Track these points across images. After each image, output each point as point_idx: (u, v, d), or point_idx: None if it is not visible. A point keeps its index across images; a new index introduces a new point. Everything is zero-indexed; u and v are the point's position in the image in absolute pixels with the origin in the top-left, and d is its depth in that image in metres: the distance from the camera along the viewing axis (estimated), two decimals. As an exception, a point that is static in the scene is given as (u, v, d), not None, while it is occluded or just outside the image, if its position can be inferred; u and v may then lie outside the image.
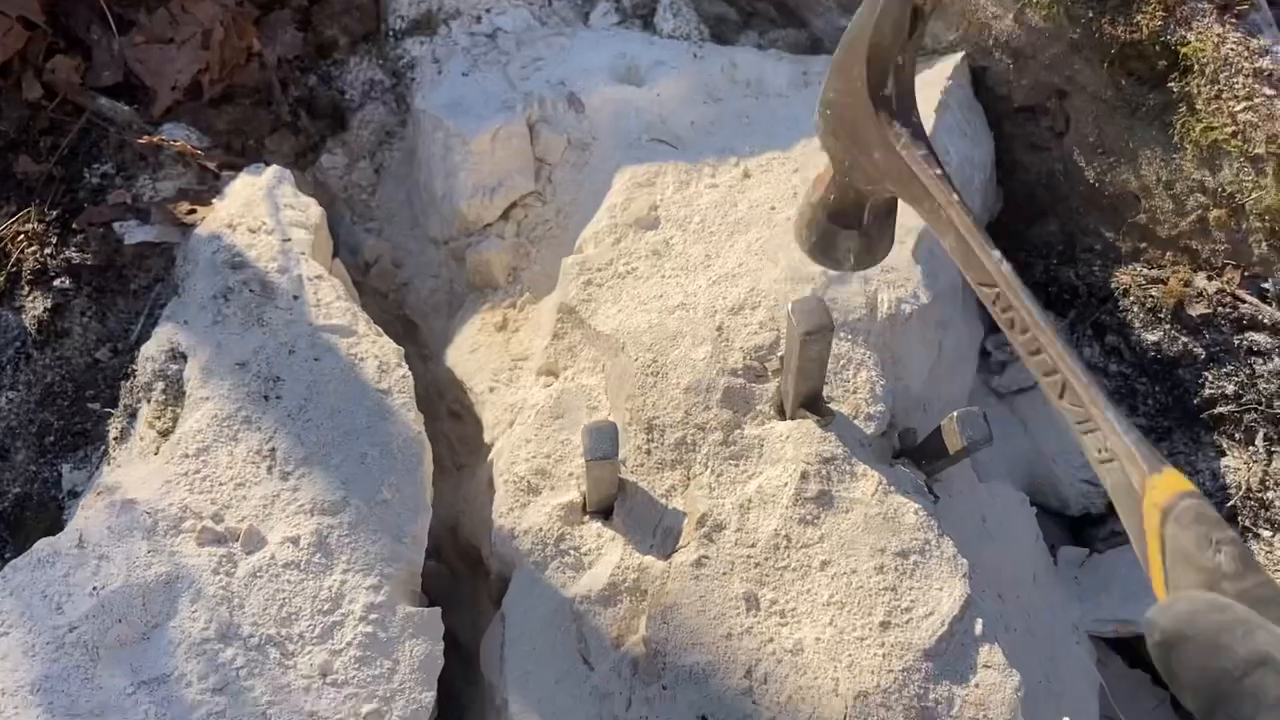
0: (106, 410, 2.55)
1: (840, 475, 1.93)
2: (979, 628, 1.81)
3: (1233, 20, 2.32)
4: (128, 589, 2.09)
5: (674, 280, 2.28)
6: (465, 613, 2.55)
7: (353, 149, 2.94)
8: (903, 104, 1.30)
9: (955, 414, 1.97)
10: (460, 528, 2.61)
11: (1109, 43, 2.40)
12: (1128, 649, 2.75)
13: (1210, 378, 2.41)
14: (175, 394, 2.41)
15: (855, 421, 2.03)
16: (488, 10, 3.09)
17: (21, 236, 2.61)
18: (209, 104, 2.90)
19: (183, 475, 2.24)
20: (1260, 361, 2.34)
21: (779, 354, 2.11)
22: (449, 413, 2.72)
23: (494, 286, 2.66)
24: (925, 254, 2.27)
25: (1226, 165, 2.28)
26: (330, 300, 2.42)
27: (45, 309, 2.59)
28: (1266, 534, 2.34)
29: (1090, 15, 2.41)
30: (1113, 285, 2.55)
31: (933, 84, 2.62)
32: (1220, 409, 2.39)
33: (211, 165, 2.70)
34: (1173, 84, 2.35)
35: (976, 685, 1.77)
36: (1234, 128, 2.23)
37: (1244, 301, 2.36)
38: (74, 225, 2.66)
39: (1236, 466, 2.39)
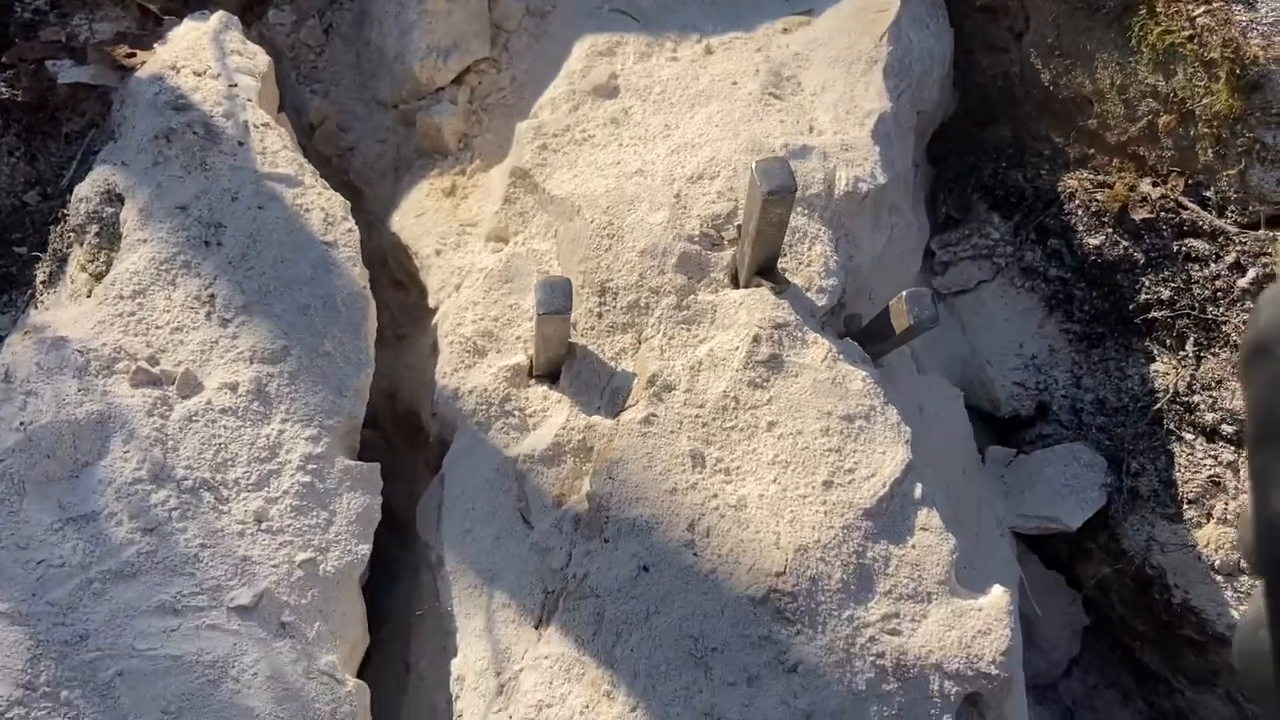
0: (34, 255, 2.46)
1: (792, 341, 1.95)
2: (918, 492, 1.85)
3: (1196, -71, 2.34)
4: (56, 426, 2.03)
5: (632, 148, 2.26)
6: (401, 484, 2.53)
7: (301, 6, 2.84)
8: None
9: (904, 293, 1.98)
10: (400, 395, 2.58)
11: (1074, -55, 2.41)
12: (1046, 550, 2.83)
13: (1147, 283, 2.46)
14: (110, 237, 2.33)
15: (808, 293, 2.04)
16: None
17: (-54, 67, 2.49)
18: (152, -52, 2.78)
19: (117, 316, 2.18)
20: (1197, 268, 2.40)
21: (736, 223, 2.10)
22: (392, 281, 2.68)
23: (444, 152, 2.61)
24: (883, 136, 2.27)
25: (1180, 70, 2.32)
26: (277, 149, 2.35)
27: (-30, 145, 2.48)
28: (1189, 437, 2.42)
29: (1058, -84, 2.42)
30: (1059, 189, 2.59)
31: (897, -22, 2.61)
32: (1155, 314, 2.45)
33: (153, 7, 2.59)
34: (1133, -12, 2.38)
35: (913, 546, 1.81)
36: (1191, 31, 2.26)
37: (1186, 208, 2.41)
38: (2, 59, 2.54)
39: (1165, 371, 2.46)
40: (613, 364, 2.07)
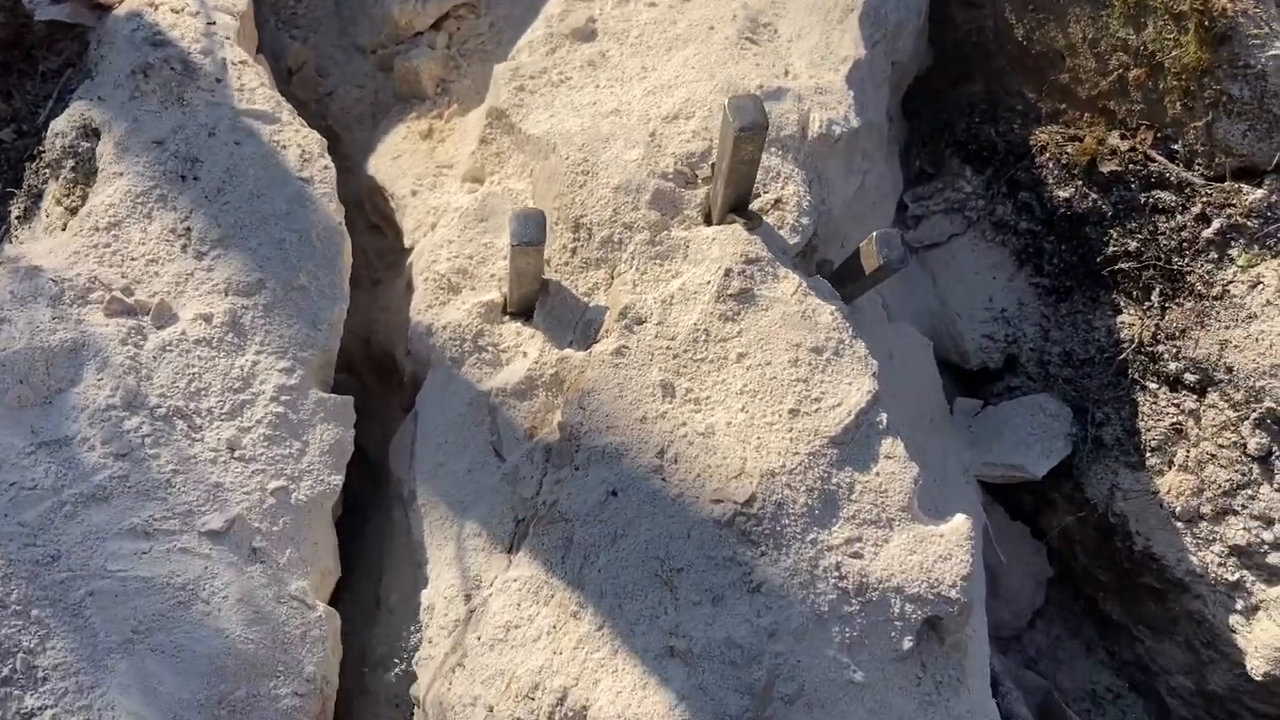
0: (9, 190, 2.45)
1: (763, 275, 1.97)
2: (884, 421, 1.88)
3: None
4: (30, 352, 2.04)
5: (609, 90, 2.27)
6: (376, 427, 2.55)
7: (282, -50, 2.84)
8: None
9: (874, 234, 2.01)
10: (375, 339, 2.59)
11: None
12: (1011, 502, 2.87)
13: (1115, 235, 2.50)
14: (86, 172, 2.33)
15: (781, 231, 2.06)
16: None
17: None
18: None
19: (92, 247, 2.18)
20: (1163, 219, 2.44)
21: (710, 162, 2.12)
22: (368, 225, 2.69)
23: (421, 97, 2.62)
24: (858, 82, 2.30)
25: (1151, 23, 2.35)
26: (254, 86, 2.35)
27: (-55, 78, 2.47)
28: (1153, 386, 2.46)
29: None
30: (1031, 143, 2.62)
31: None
32: (1122, 265, 2.49)
33: (132, -54, 2.58)
34: (1107, -60, 2.41)
35: (877, 473, 1.84)
36: (1161, -16, 2.30)
37: (1154, 160, 2.44)
38: (-21, -5, 2.53)
39: (1131, 322, 2.50)
40: (586, 299, 2.09)
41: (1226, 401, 2.31)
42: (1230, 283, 2.35)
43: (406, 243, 2.43)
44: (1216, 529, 2.36)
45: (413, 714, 2.01)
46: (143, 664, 1.85)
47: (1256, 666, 2.36)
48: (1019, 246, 2.68)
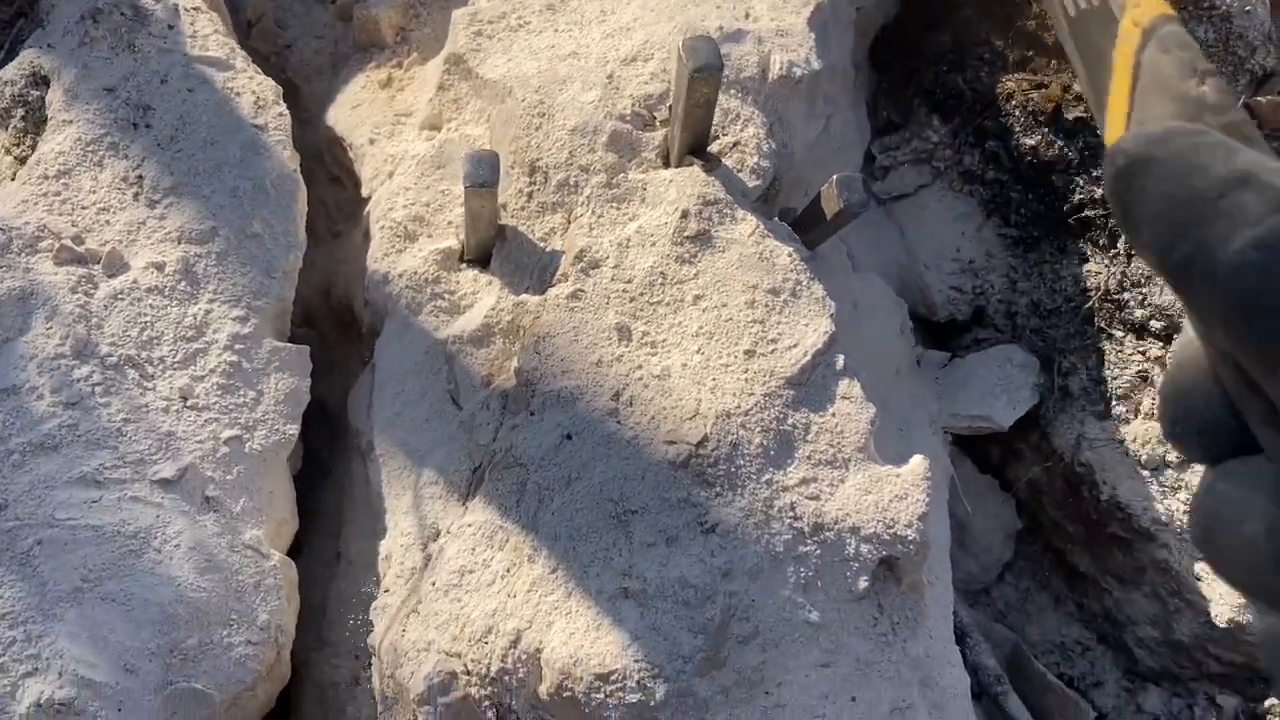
0: (-40, 142, 2.41)
1: (721, 217, 1.94)
2: (840, 363, 1.86)
3: None
4: (-24, 301, 2.01)
5: (567, 33, 2.24)
6: (336, 380, 2.52)
7: (238, -101, 2.78)
8: None
9: (834, 177, 1.99)
10: (334, 289, 2.56)
11: None
12: (978, 453, 2.86)
13: (1081, 182, 2.48)
14: (36, 121, 2.29)
15: (740, 174, 2.04)
16: None
17: None
18: None
19: (41, 196, 2.14)
20: (1129, 166, 2.42)
21: (668, 104, 2.09)
22: (328, 178, 2.65)
23: (381, 46, 2.58)
24: (820, 25, 2.27)
25: (1116, -35, 2.32)
26: (208, 33, 2.31)
27: (-108, 24, 2.42)
28: (1119, 334, 2.44)
29: None
30: (997, 91, 2.60)
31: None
32: (1088, 213, 2.47)
33: (83, -109, 2.52)
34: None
35: (833, 414, 1.82)
36: (1127, -75, 2.26)
37: (1119, 106, 2.42)
38: (-74, -58, 2.48)
39: (1097, 270, 2.48)
40: (543, 245, 2.06)
41: (1191, 347, 2.30)
42: (1195, 228, 2.32)
43: (364, 192, 2.40)
44: (1182, 476, 2.36)
45: (370, 664, 2.00)
46: (92, 612, 1.82)
47: (1221, 613, 2.36)
48: (986, 196, 2.66)
